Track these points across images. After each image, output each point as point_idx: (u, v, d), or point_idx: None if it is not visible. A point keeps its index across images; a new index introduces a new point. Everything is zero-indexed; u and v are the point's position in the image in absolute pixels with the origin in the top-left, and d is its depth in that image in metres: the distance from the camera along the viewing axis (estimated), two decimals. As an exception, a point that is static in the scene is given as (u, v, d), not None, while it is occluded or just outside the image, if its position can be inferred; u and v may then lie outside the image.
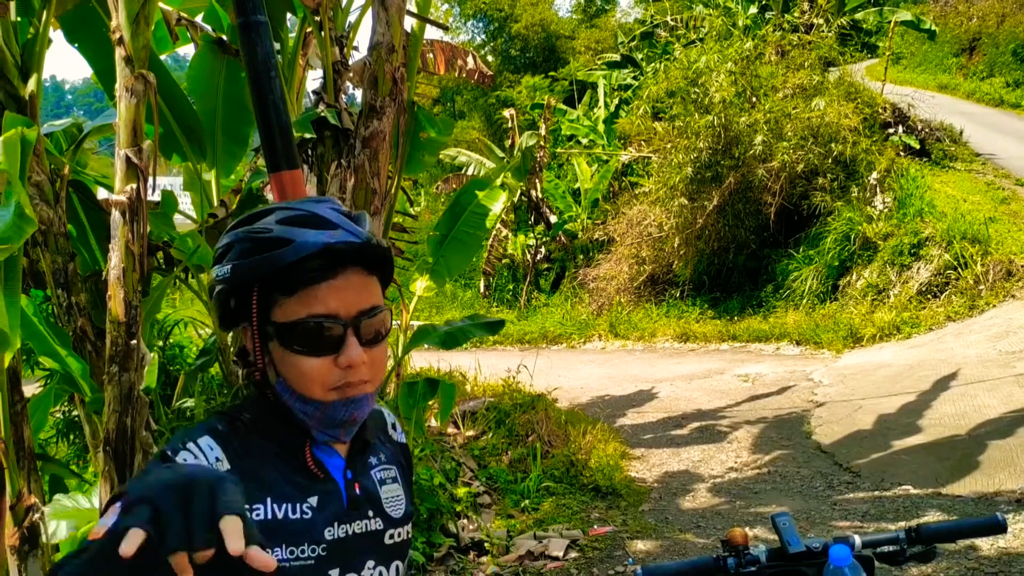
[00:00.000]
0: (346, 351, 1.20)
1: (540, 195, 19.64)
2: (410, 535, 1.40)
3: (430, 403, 6.92)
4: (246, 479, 1.10)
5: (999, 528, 1.59)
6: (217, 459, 1.18)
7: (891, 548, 1.59)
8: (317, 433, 1.26)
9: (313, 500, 1.24)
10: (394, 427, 1.50)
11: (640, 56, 23.29)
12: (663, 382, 11.21)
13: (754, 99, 15.09)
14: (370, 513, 1.31)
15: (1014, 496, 5.60)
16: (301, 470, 1.25)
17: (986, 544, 4.82)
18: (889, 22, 19.74)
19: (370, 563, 1.30)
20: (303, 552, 1.21)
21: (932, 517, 5.48)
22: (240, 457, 1.20)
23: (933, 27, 21.60)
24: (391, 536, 1.34)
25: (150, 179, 3.50)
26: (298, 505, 1.22)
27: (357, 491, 1.30)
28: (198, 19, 5.85)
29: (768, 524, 1.62)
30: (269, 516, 1.20)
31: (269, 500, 1.21)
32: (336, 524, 1.25)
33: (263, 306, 1.23)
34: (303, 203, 1.26)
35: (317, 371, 1.21)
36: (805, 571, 1.54)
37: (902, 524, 1.66)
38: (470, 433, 7.88)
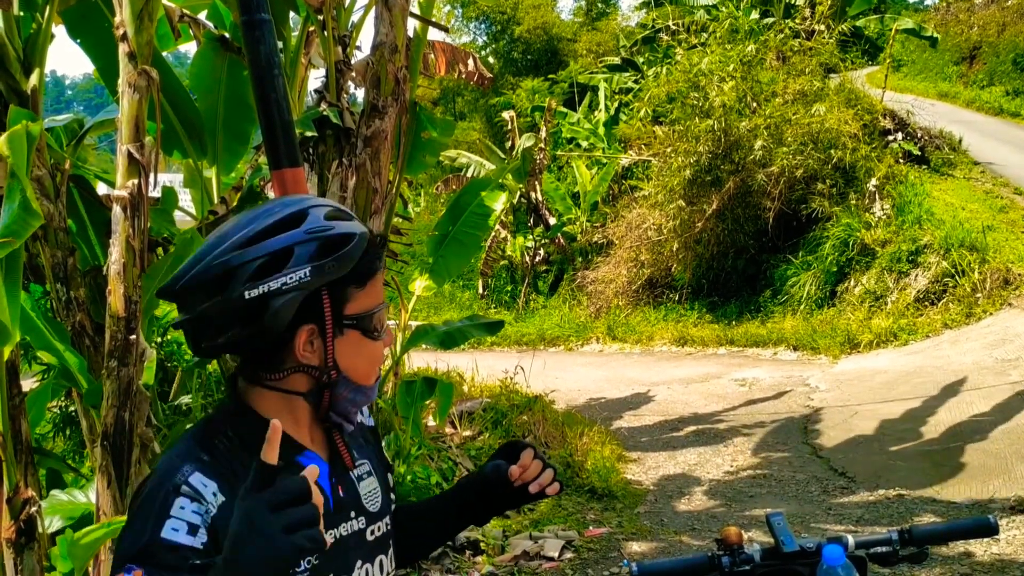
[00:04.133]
0: (389, 332, 1.32)
1: (540, 197, 19.65)
2: (389, 527, 1.40)
3: (427, 403, 6.93)
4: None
5: (990, 530, 1.60)
6: (214, 493, 1.16)
7: (884, 549, 1.61)
8: (342, 422, 1.31)
9: None
10: (361, 411, 1.49)
11: (641, 60, 23.32)
12: (660, 385, 11.22)
13: (754, 104, 15.11)
14: (352, 513, 1.31)
15: (1008, 503, 5.62)
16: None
17: (980, 550, 4.84)
18: (890, 29, 19.79)
19: (358, 562, 1.31)
20: (299, 565, 1.20)
21: (926, 522, 5.49)
22: (233, 484, 1.16)
23: (935, 35, 21.66)
24: (372, 532, 1.34)
25: (151, 175, 3.51)
26: None
27: (341, 494, 1.30)
28: (201, 16, 5.86)
29: (763, 527, 1.64)
30: None
31: None
32: (325, 531, 1.22)
33: (335, 302, 1.24)
34: (303, 197, 1.26)
35: (381, 354, 1.31)
36: (799, 570, 1.55)
37: (896, 527, 1.67)
38: (467, 433, 7.89)
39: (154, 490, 1.16)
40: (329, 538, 1.25)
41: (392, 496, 1.48)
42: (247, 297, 1.17)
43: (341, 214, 1.26)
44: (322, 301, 1.22)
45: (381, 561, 1.36)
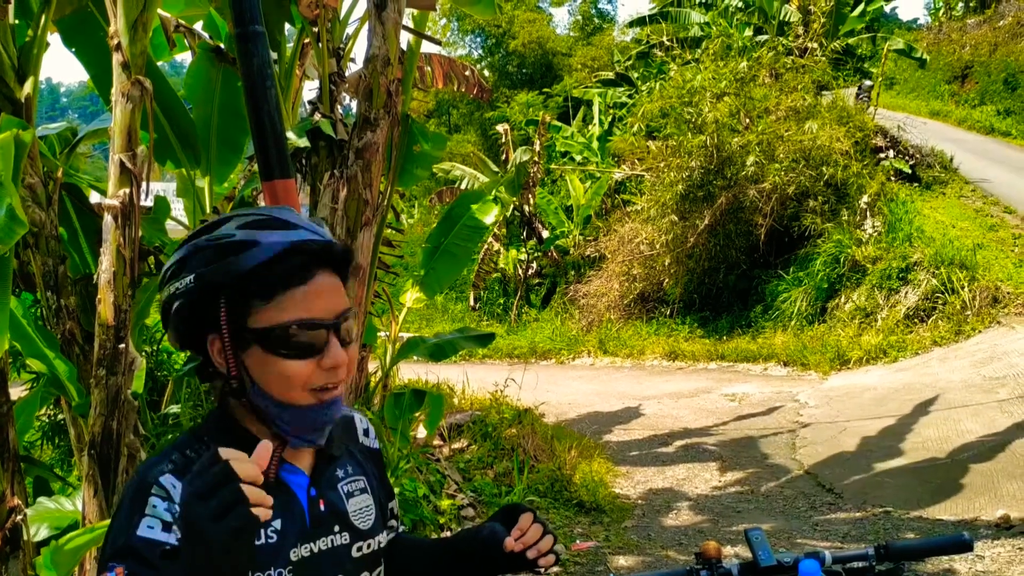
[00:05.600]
0: (331, 353, 1.20)
1: (533, 210, 19.70)
2: (382, 544, 1.39)
3: (417, 415, 6.93)
4: None
5: (965, 547, 1.62)
6: (181, 495, 1.16)
7: (860, 564, 1.62)
8: (293, 440, 1.24)
9: (277, 523, 1.23)
10: (367, 433, 1.48)
11: (635, 75, 23.42)
12: (650, 399, 11.23)
13: (747, 120, 15.20)
14: (336, 528, 1.30)
15: (993, 521, 5.64)
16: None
17: (964, 567, 4.86)
18: (882, 48, 19.95)
19: None
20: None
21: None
22: None
23: (925, 56, 21.83)
24: (359, 549, 1.33)
25: (143, 184, 3.52)
26: (263, 530, 1.21)
27: (322, 508, 1.29)
28: (196, 27, 5.90)
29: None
30: None
31: None
32: (300, 544, 1.24)
33: (235, 313, 1.20)
34: (260, 209, 1.28)
35: (302, 374, 1.20)
36: (776, 585, 1.57)
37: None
38: (456, 446, 7.88)
39: (130, 490, 1.19)
40: (304, 551, 1.25)
41: (394, 523, 1.48)
42: (160, 299, 1.26)
43: (270, 223, 1.22)
44: (220, 311, 1.21)
45: None
